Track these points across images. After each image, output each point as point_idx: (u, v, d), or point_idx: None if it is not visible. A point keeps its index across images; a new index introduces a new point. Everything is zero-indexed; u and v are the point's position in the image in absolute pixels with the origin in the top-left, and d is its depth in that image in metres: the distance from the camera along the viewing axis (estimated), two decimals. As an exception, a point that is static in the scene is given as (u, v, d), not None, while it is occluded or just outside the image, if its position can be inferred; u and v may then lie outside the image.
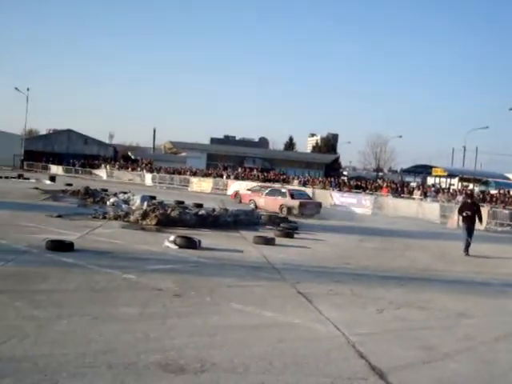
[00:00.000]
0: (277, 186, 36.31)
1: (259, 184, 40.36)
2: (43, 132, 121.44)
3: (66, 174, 62.32)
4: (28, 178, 42.47)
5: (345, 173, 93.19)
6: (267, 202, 29.10)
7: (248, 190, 36.41)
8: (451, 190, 42.78)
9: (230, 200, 32.61)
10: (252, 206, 28.96)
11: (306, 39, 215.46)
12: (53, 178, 42.17)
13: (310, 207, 28.42)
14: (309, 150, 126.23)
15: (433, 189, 41.94)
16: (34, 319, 6.11)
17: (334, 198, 37.68)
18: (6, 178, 42.42)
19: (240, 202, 32.20)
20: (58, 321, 6.14)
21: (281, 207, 27.75)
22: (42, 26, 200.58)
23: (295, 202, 27.93)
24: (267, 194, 30.01)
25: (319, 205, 29.50)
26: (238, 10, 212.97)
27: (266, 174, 55.32)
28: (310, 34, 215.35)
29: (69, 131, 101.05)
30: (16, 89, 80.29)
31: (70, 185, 33.64)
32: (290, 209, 27.48)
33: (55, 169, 67.92)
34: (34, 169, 71.70)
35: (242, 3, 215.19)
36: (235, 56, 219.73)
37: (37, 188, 30.96)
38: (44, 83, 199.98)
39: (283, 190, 30.20)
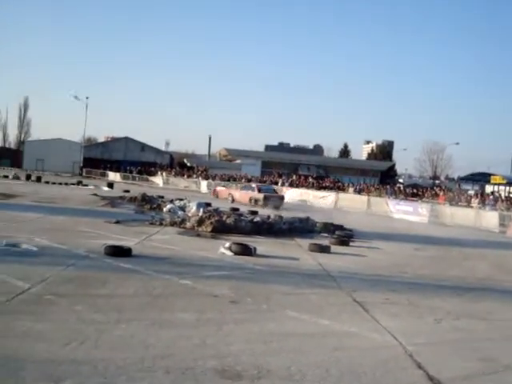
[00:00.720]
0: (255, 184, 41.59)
1: (233, 182, 50.42)
2: (101, 139, 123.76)
3: (124, 180, 63.34)
4: (87, 185, 43.35)
5: (400, 180, 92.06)
6: (241, 196, 36.14)
7: (223, 186, 45.38)
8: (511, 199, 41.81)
9: (211, 197, 38.46)
10: (230, 198, 36.38)
11: (363, 44, 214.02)
12: (111, 185, 42.94)
13: (274, 199, 34.33)
14: (364, 157, 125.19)
15: (491, 197, 41.03)
16: (93, 323, 6.22)
17: (389, 206, 37.27)
18: (66, 184, 43.43)
19: (217, 197, 38.82)
20: (117, 325, 6.25)
21: (250, 199, 34.57)
22: (102, 35, 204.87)
23: (260, 195, 34.54)
24: (241, 189, 38.14)
25: (282, 198, 36.71)
26: (303, 17, 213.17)
27: (320, 182, 55.09)
28: (367, 39, 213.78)
29: (126, 139, 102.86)
30: (75, 97, 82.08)
31: (127, 191, 34.19)
32: (256, 200, 34.05)
33: (113, 176, 69.16)
34: (92, 175, 73.19)
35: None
36: (288, 65, 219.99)
37: (95, 194, 31.62)
38: (102, 91, 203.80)
39: (253, 186, 38.45)
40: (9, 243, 11.03)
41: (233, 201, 35.53)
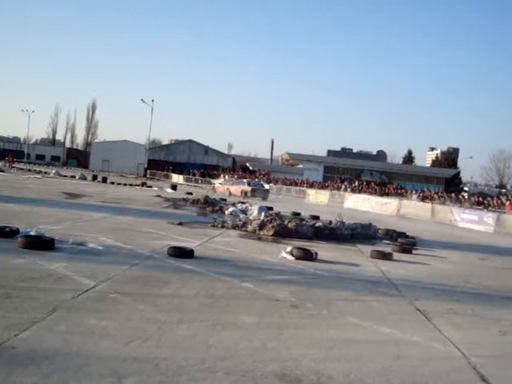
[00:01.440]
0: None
1: (232, 178, 60.03)
2: (165, 142, 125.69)
3: (187, 182, 64.06)
4: (151, 186, 44.08)
5: (466, 188, 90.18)
6: (236, 189, 46.45)
7: (219, 183, 56.20)
8: None
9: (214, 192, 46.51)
10: (227, 192, 45.14)
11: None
12: (174, 187, 43.57)
13: (260, 191, 45.68)
14: (428, 164, 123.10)
15: (561, 206, 39.82)
16: (156, 322, 6.31)
17: (454, 215, 36.56)
18: (131, 185, 44.29)
19: (214, 192, 47.03)
20: (179, 325, 6.32)
21: (241, 191, 44.53)
22: (166, 37, 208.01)
23: (249, 188, 45.78)
24: (235, 184, 49.93)
25: (267, 190, 48.44)
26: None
27: (383, 188, 54.47)
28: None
29: (190, 141, 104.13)
30: (142, 100, 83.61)
31: (190, 193, 34.65)
32: (246, 192, 44.12)
33: (176, 178, 70.14)
34: (156, 177, 74.41)
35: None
36: (352, 71, 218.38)
37: (159, 196, 32.12)
38: (168, 94, 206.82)
39: (244, 181, 51.71)
40: (75, 242, 11.31)
41: (230, 194, 44.16)
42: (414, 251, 16.60)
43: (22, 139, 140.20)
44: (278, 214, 20.84)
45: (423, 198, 45.91)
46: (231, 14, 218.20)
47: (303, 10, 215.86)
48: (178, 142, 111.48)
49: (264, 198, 41.95)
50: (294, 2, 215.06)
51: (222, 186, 52.10)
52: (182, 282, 8.77)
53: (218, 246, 13.31)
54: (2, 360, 4.69)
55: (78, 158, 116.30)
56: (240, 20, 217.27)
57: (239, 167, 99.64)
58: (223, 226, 17.94)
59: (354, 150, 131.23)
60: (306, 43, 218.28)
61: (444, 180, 78.66)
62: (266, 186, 53.29)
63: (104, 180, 47.28)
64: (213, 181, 51.31)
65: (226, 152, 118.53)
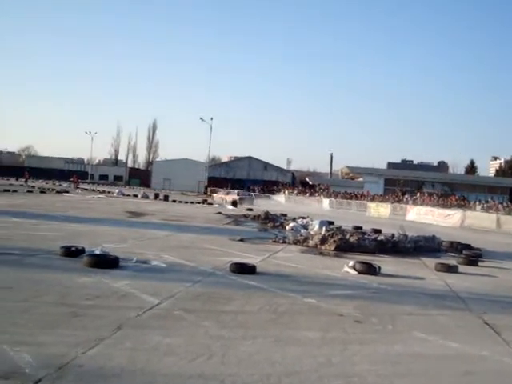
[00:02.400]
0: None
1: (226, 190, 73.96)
2: (225, 159, 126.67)
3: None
4: (211, 203, 44.36)
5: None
6: (229, 198, 55.65)
7: (215, 193, 71.61)
8: None
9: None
10: (223, 201, 54.17)
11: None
12: (234, 203, 43.72)
13: (247, 200, 56.39)
14: (491, 173, 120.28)
15: None
16: (220, 339, 6.32)
17: (520, 225, 35.60)
18: (192, 203, 44.75)
19: (214, 200, 58.60)
20: (243, 341, 6.31)
21: (232, 200, 50.59)
22: (225, 55, 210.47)
23: (238, 197, 55.82)
24: (229, 194, 62.36)
25: (252, 198, 60.59)
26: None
27: (445, 199, 53.49)
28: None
29: (249, 158, 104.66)
30: (201, 119, 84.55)
31: (250, 210, 34.75)
32: (235, 201, 49.74)
33: (236, 194, 70.30)
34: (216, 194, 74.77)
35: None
36: (409, 81, 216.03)
37: (220, 213, 32.37)
38: (226, 111, 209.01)
39: (235, 191, 65.69)
40: (139, 260, 11.48)
41: (226, 201, 52.58)
42: (479, 263, 16.19)
43: (85, 160, 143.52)
44: (339, 228, 20.68)
45: (487, 209, 44.79)
46: (277, 31, 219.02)
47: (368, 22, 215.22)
48: (238, 159, 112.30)
49: (250, 204, 51.57)
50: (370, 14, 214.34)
51: (218, 195, 66.77)
52: (245, 298, 8.77)
53: (279, 262, 13.29)
54: (70, 378, 4.77)
55: (139, 177, 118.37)
56: (285, 37, 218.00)
57: (298, 182, 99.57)
58: (284, 242, 17.92)
59: (415, 162, 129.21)
60: (361, 54, 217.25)
61: (508, 190, 76.57)
62: (253, 195, 66.67)
63: (165, 198, 47.91)
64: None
65: (284, 167, 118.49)
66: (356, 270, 12.38)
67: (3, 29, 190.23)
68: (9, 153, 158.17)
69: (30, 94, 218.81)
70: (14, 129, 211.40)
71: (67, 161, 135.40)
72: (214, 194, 70.75)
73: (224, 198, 57.81)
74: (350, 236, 17.85)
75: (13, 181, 74.18)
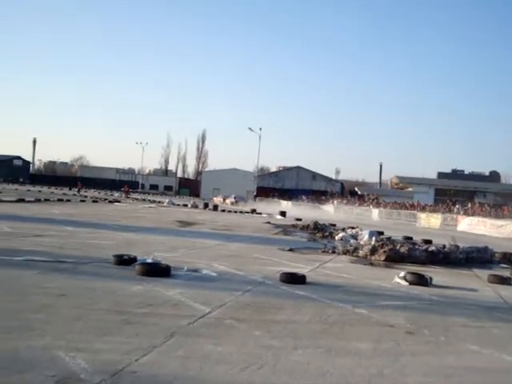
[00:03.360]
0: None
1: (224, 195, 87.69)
2: (273, 169, 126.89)
3: (295, 208, 64.08)
4: (260, 213, 44.46)
5: None
6: (226, 200, 75.14)
7: (215, 197, 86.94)
8: None
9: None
10: (222, 202, 72.13)
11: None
12: (283, 213, 43.74)
13: (239, 200, 74.15)
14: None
15: None
16: (271, 348, 6.33)
17: None
18: (241, 212, 44.89)
19: (213, 202, 65.01)
20: (293, 351, 6.31)
21: (230, 201, 68.72)
22: (273, 67, 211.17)
23: (234, 200, 74.32)
24: (226, 198, 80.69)
25: (243, 199, 77.64)
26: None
27: (497, 210, 52.46)
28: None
29: (298, 168, 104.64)
30: (249, 129, 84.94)
31: (299, 220, 34.67)
32: (232, 202, 70.01)
33: (285, 204, 70.32)
34: (265, 204, 74.88)
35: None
36: (463, 90, 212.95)
37: (269, 222, 32.42)
38: (274, 121, 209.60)
39: (233, 195, 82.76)
40: (190, 269, 11.59)
41: (224, 201, 71.23)
42: (535, 275, 15.81)
43: (136, 170, 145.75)
44: (389, 238, 20.45)
45: (543, 219, 43.75)
46: (325, 40, 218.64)
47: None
48: (286, 169, 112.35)
49: (245, 203, 68.01)
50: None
51: (217, 198, 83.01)
52: (295, 307, 8.77)
53: (329, 272, 13.24)
54: (124, 384, 4.86)
55: (189, 186, 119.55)
56: (337, 49, 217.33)
57: (347, 192, 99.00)
58: (334, 252, 17.84)
59: (466, 172, 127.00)
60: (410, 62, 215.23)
61: None
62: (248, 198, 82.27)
63: (215, 208, 48.24)
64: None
65: (333, 177, 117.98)
66: (407, 280, 12.24)
67: (70, 49, 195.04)
68: (62, 163, 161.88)
69: (83, 106, 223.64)
70: (66, 139, 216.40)
71: (118, 171, 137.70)
72: (215, 198, 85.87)
73: (222, 200, 78.35)
74: (401, 246, 17.65)
75: (66, 190, 75.83)
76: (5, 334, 6.03)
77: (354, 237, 22.50)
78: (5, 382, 4.65)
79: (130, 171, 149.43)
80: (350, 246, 18.94)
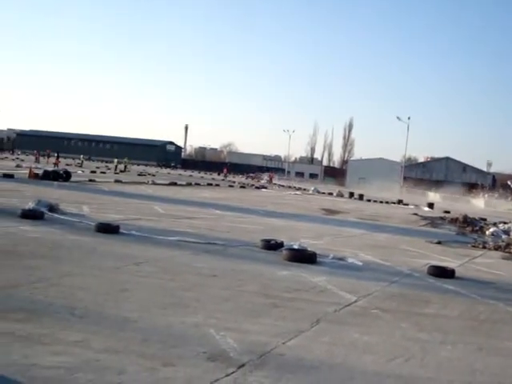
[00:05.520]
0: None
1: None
2: (421, 159, 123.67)
3: (444, 201, 62.15)
4: (407, 204, 43.60)
5: None
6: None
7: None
8: None
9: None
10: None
11: None
12: (431, 205, 42.57)
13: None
14: None
15: None
16: (418, 341, 6.22)
17: None
18: (387, 203, 44.25)
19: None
20: (442, 346, 6.17)
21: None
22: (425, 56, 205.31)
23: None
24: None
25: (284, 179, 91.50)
26: None
27: None
28: None
29: (447, 159, 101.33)
30: (397, 118, 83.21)
31: (447, 212, 33.65)
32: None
33: (432, 196, 68.37)
34: (412, 195, 73.38)
35: None
36: None
37: (415, 214, 31.70)
38: (423, 111, 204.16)
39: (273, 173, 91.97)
40: (336, 256, 11.61)
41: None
42: None
43: (282, 157, 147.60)
44: (545, 235, 19.40)
45: None
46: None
47: None
48: (434, 160, 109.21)
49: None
50: None
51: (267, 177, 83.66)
52: (443, 302, 8.55)
53: (479, 268, 12.75)
54: (271, 365, 4.97)
55: (334, 175, 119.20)
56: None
57: (499, 185, 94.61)
58: (484, 247, 17.15)
59: None
60: None
61: None
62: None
63: (360, 197, 47.83)
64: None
65: (485, 170, 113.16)
66: None
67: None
68: (212, 149, 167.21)
69: (232, 94, 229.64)
70: (217, 126, 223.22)
71: (265, 158, 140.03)
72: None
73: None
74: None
75: (215, 175, 78.32)
76: (160, 310, 6.37)
77: (507, 232, 21.51)
78: (160, 355, 4.90)
79: (277, 158, 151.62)
80: (502, 241, 18.16)
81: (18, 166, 42.99)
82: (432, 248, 15.73)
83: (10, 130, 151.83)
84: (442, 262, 12.27)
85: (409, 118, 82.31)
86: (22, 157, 73.87)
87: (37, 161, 59.61)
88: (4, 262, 8.12)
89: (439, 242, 17.06)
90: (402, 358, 5.61)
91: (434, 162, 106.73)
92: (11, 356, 4.47)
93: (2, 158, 61.68)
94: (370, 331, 6.43)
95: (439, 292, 9.26)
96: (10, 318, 5.44)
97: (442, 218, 28.75)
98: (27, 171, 30.91)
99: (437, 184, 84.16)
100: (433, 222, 26.63)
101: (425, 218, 28.54)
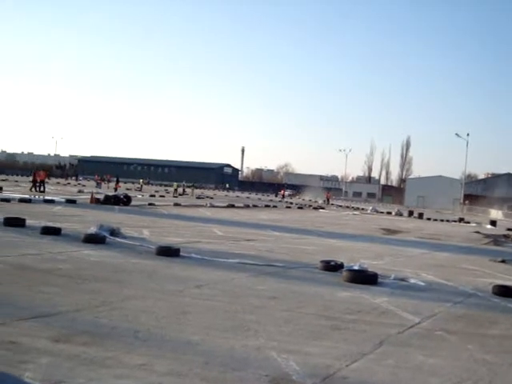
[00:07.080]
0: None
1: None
2: (481, 176, 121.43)
3: (507, 218, 60.73)
4: (468, 222, 42.78)
5: None
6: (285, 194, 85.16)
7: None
8: None
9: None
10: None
11: None
12: (493, 223, 41.67)
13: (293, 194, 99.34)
14: None
15: None
16: (486, 363, 6.04)
17: None
18: (447, 221, 43.49)
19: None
20: (510, 368, 5.96)
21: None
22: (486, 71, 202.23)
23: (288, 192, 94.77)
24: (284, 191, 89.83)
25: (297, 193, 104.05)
26: None
27: None
28: None
29: (508, 175, 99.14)
30: (456, 134, 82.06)
31: (511, 230, 32.84)
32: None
33: (495, 213, 66.88)
34: (473, 213, 71.94)
35: None
36: None
37: (477, 232, 31.07)
38: (482, 127, 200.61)
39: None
40: (397, 277, 11.44)
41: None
42: None
43: (339, 177, 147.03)
44: None
45: None
46: None
47: None
48: (495, 176, 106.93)
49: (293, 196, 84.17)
50: None
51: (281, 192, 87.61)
52: (510, 322, 8.30)
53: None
54: (337, 389, 4.91)
55: (392, 194, 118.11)
56: None
57: None
58: None
59: None
60: None
61: None
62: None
63: (420, 216, 47.19)
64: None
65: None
66: None
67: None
68: (268, 170, 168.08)
69: (288, 115, 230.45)
70: (273, 147, 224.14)
71: (322, 178, 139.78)
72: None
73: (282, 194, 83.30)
74: None
75: (272, 197, 78.53)
76: (222, 333, 6.37)
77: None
78: (222, 378, 4.90)
79: (334, 178, 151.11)
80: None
81: (79, 191, 44.18)
82: (496, 267, 15.33)
83: (71, 156, 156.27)
84: (507, 282, 11.95)
85: (468, 135, 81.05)
86: (84, 182, 75.67)
87: (98, 186, 61.09)
88: (68, 286, 8.29)
89: (503, 261, 16.61)
90: (469, 380, 5.45)
91: (494, 179, 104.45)
92: (76, 379, 4.52)
93: (65, 184, 63.53)
94: (436, 353, 6.28)
95: (505, 312, 9.01)
96: (74, 342, 5.53)
97: (505, 236, 28.11)
98: (89, 196, 31.66)
99: (499, 201, 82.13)
100: (496, 240, 26.02)
101: (487, 236, 27.93)
